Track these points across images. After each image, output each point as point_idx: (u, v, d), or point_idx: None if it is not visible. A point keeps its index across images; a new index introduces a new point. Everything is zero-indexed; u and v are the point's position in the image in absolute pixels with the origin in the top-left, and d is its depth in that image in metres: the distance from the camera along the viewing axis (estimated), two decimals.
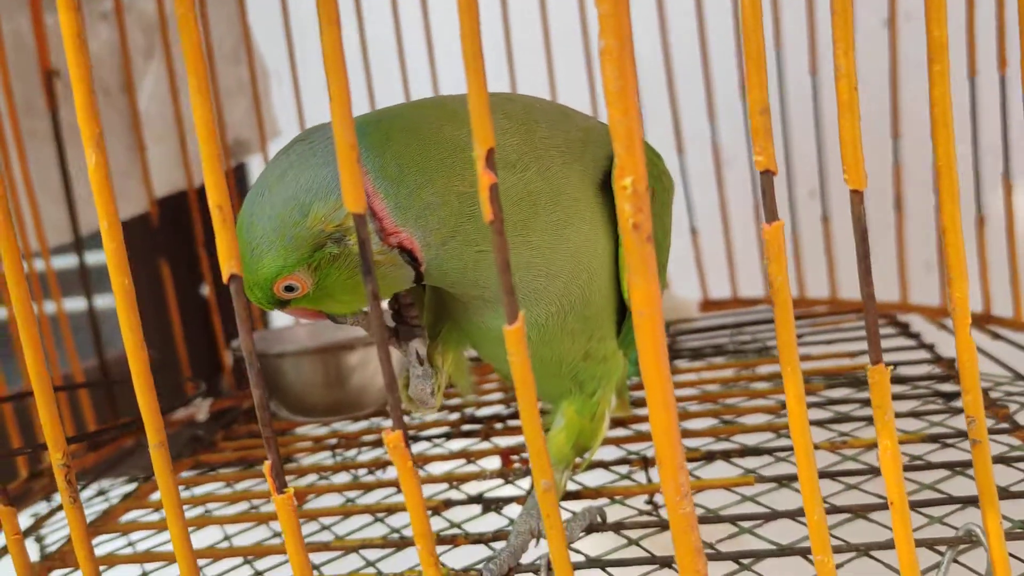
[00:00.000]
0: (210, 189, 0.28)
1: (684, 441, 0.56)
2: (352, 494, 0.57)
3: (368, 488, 0.57)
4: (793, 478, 0.49)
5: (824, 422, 0.57)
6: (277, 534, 0.53)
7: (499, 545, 0.46)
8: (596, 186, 0.40)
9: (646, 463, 0.54)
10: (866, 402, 0.58)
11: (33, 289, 0.71)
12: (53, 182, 0.73)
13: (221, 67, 0.84)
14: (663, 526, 0.45)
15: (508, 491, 0.54)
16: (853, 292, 0.81)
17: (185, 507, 0.59)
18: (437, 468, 0.59)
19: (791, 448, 0.53)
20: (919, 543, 0.41)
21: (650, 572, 0.42)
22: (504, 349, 0.27)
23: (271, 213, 0.36)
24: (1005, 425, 0.52)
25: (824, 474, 0.49)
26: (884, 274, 0.79)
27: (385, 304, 0.45)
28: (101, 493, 0.66)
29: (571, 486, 0.52)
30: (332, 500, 0.57)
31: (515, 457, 0.58)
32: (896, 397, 0.59)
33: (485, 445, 0.62)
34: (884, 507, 0.39)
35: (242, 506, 0.58)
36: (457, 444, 0.63)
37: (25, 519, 0.61)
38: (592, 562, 0.43)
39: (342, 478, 0.61)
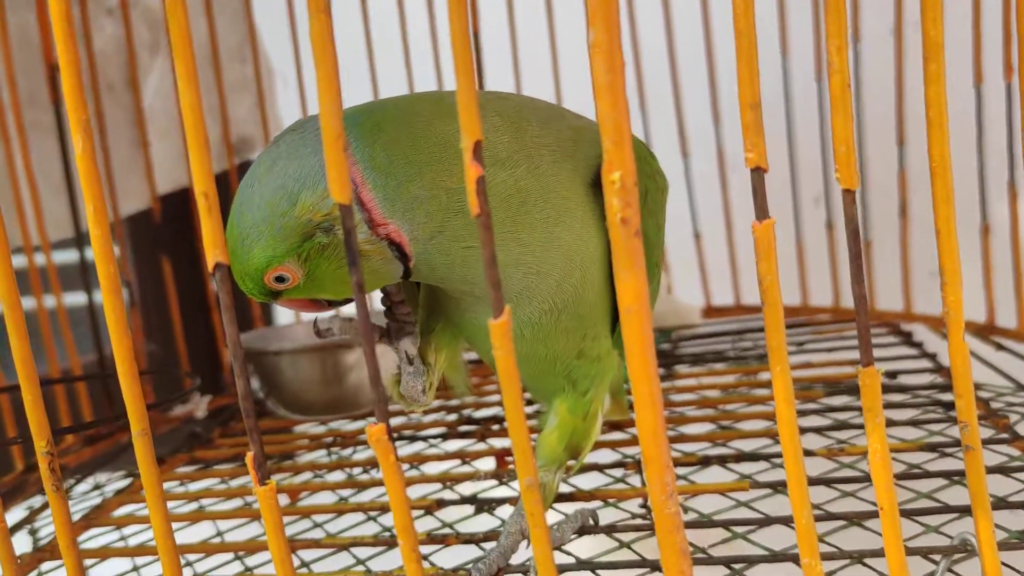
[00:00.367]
0: (196, 176, 0.28)
1: (681, 446, 0.56)
2: (346, 492, 0.57)
3: (362, 486, 0.56)
4: (788, 483, 0.48)
5: (823, 429, 0.56)
6: None
7: (490, 545, 0.45)
8: (587, 185, 0.40)
9: (640, 466, 0.54)
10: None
11: (33, 283, 0.71)
12: (55, 176, 0.73)
13: (226, 64, 0.84)
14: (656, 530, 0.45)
15: (502, 492, 0.54)
16: None
17: (180, 503, 0.59)
18: (432, 468, 0.59)
19: None
20: (914, 552, 0.40)
21: (641, 575, 0.42)
22: None
23: (260, 203, 0.36)
24: (1005, 435, 0.52)
25: (820, 481, 0.49)
26: (889, 283, 0.79)
27: (379, 303, 0.45)
28: (97, 487, 0.66)
29: (565, 488, 0.51)
30: (326, 498, 0.57)
31: (510, 459, 0.57)
32: (896, 406, 0.59)
33: (481, 446, 0.62)
34: (879, 515, 0.38)
35: (236, 502, 0.57)
36: (453, 445, 0.63)
37: (21, 511, 0.61)
38: (582, 564, 0.43)
39: (337, 476, 0.60)
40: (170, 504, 0.59)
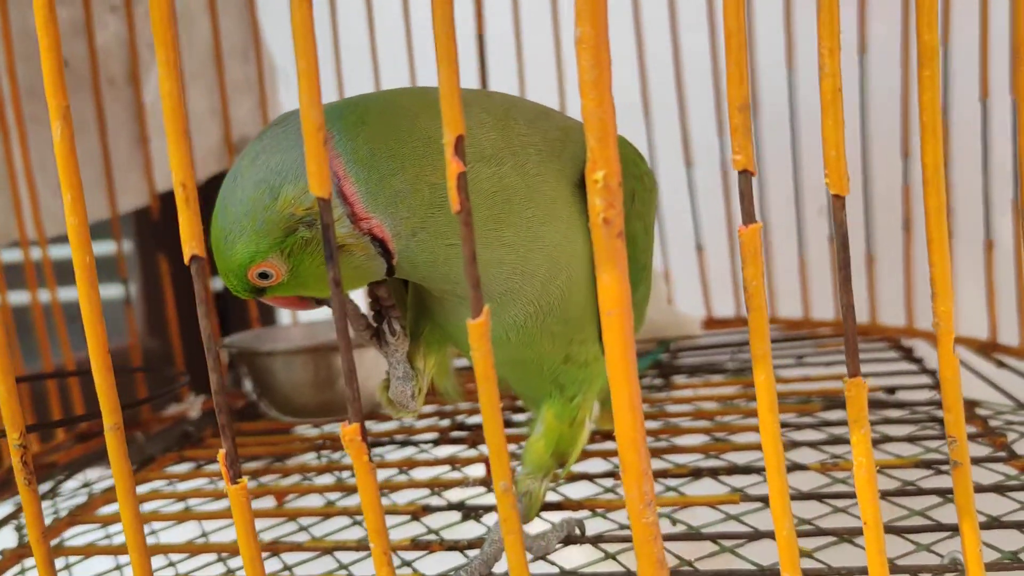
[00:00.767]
0: (174, 166, 0.27)
1: (673, 457, 0.56)
2: (334, 496, 0.56)
3: (351, 490, 0.56)
4: None
5: (817, 443, 0.55)
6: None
7: (474, 553, 0.45)
8: (574, 186, 0.39)
9: None
10: None
11: (28, 278, 0.71)
12: (53, 169, 0.73)
13: (229, 63, 0.84)
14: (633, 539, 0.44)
15: (490, 499, 0.53)
16: (860, 314, 0.80)
17: (167, 502, 0.59)
18: (422, 473, 0.58)
19: None
20: (903, 570, 0.39)
21: None
22: None
23: (243, 197, 0.36)
24: (1002, 454, 0.51)
25: (812, 496, 0.48)
26: (891, 298, 0.78)
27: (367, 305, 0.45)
28: (86, 485, 0.66)
29: (553, 496, 0.51)
30: (314, 501, 0.56)
31: None
32: (893, 421, 0.58)
33: (472, 453, 0.61)
34: None
35: (224, 503, 0.57)
36: (444, 450, 0.62)
37: (8, 507, 0.61)
38: (565, 574, 0.42)
39: (326, 479, 0.60)
40: (157, 503, 0.59)
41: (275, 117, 0.87)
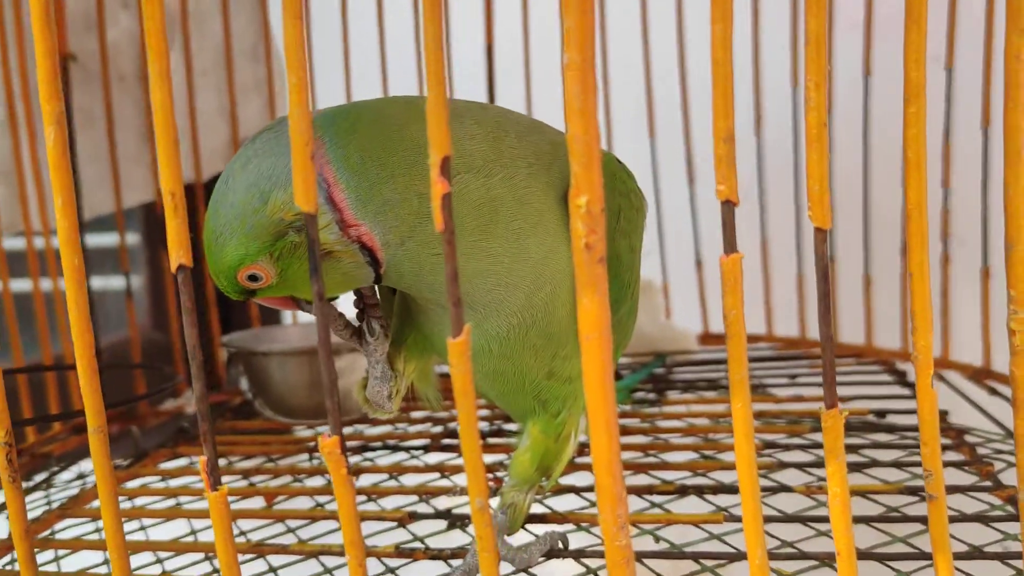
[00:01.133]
0: (163, 176, 0.28)
1: (660, 473, 0.56)
2: (323, 499, 0.56)
3: None
4: (765, 519, 0.48)
5: (804, 465, 0.55)
6: (242, 532, 0.53)
7: (457, 563, 0.45)
8: (561, 200, 0.39)
9: None
10: (849, 448, 0.57)
11: (32, 269, 0.71)
12: None
13: (239, 62, 0.84)
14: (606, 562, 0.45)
15: None
16: (855, 336, 0.80)
17: (158, 499, 0.59)
18: (411, 479, 0.59)
19: (769, 489, 0.52)
20: None
21: None
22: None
23: (233, 200, 0.36)
24: (988, 483, 0.51)
25: (796, 518, 0.48)
26: (888, 321, 0.78)
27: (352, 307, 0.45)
28: (80, 477, 0.66)
29: (538, 509, 0.51)
30: (302, 503, 0.57)
31: (490, 476, 0.57)
32: (881, 446, 0.58)
33: (461, 461, 0.61)
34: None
35: None
36: (434, 458, 0.63)
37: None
38: None
39: (316, 482, 0.60)
40: (147, 499, 0.59)
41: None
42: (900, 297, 0.77)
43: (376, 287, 0.43)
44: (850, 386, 0.70)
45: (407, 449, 0.64)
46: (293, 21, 0.27)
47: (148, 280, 1.07)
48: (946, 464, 0.49)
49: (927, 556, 0.43)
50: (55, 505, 0.59)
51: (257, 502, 0.58)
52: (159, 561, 0.52)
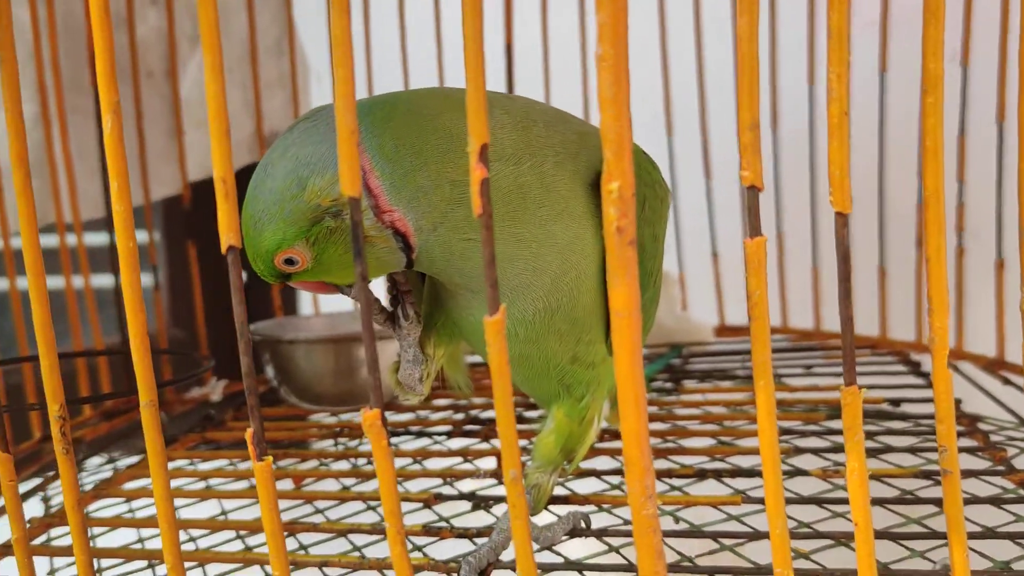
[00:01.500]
0: (216, 162, 0.29)
1: (679, 458, 0.57)
2: (349, 481, 0.58)
3: (366, 476, 0.58)
4: None
5: (820, 450, 0.57)
6: None
7: (482, 541, 0.47)
8: (587, 188, 0.41)
9: None
10: (865, 435, 0.58)
11: (63, 263, 0.73)
12: (92, 158, 0.76)
13: (264, 59, 0.86)
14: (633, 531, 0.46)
15: (500, 491, 0.55)
16: (870, 328, 0.81)
17: (188, 480, 0.61)
18: (435, 464, 0.60)
19: (787, 473, 0.53)
20: (897, 574, 0.41)
21: None
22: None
23: (272, 187, 0.38)
24: (1001, 468, 0.52)
25: (813, 500, 0.50)
26: (903, 313, 0.79)
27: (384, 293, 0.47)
28: (111, 461, 0.68)
29: (561, 491, 0.52)
30: (329, 485, 0.58)
31: None
32: (896, 433, 0.59)
33: (484, 446, 0.63)
34: None
35: (243, 484, 0.59)
36: (457, 443, 0.64)
37: (35, 480, 0.63)
38: (570, 564, 0.44)
39: (342, 465, 0.62)
40: (179, 482, 0.61)
41: (305, 112, 0.90)
42: (915, 289, 0.78)
43: (406, 273, 0.45)
44: (865, 376, 0.71)
45: (431, 435, 0.65)
46: (340, 16, 0.28)
47: (168, 277, 1.09)
48: (960, 450, 0.50)
49: (941, 536, 0.44)
50: (88, 487, 0.61)
51: (286, 484, 0.59)
52: (192, 540, 0.53)
